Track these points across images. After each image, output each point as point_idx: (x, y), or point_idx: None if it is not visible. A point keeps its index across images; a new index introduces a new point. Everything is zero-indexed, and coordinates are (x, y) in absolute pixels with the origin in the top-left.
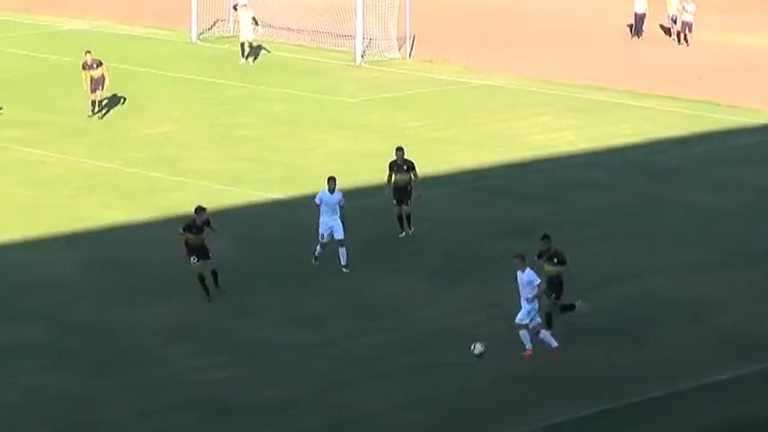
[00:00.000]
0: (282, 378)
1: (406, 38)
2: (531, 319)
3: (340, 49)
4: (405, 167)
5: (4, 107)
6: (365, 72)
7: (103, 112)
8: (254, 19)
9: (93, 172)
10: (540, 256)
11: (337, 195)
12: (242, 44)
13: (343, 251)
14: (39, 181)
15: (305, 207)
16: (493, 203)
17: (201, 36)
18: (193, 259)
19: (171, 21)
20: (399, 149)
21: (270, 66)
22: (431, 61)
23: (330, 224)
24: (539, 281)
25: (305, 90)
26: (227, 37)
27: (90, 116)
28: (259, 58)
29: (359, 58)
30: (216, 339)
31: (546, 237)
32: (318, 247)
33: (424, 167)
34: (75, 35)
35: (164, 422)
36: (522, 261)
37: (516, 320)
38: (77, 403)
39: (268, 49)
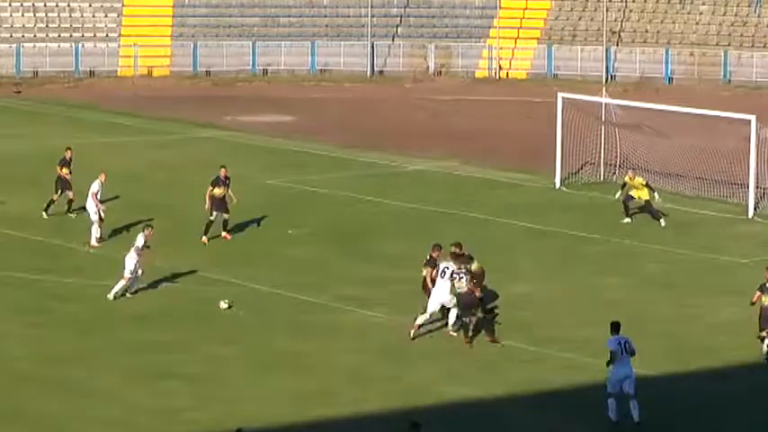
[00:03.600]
0: None
1: None
2: None
3: (726, 199)
4: None
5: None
6: (759, 227)
7: None
8: (647, 185)
9: (435, 337)
10: None
11: None
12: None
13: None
14: (373, 348)
15: (685, 386)
16: None
17: (566, 182)
18: None
19: (531, 164)
20: None
21: (644, 217)
22: None
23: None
24: None
25: (684, 247)
26: (597, 183)
27: None
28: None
29: (751, 211)
30: None
31: None
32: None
33: None
34: (418, 177)
35: None
36: None
37: None
38: None
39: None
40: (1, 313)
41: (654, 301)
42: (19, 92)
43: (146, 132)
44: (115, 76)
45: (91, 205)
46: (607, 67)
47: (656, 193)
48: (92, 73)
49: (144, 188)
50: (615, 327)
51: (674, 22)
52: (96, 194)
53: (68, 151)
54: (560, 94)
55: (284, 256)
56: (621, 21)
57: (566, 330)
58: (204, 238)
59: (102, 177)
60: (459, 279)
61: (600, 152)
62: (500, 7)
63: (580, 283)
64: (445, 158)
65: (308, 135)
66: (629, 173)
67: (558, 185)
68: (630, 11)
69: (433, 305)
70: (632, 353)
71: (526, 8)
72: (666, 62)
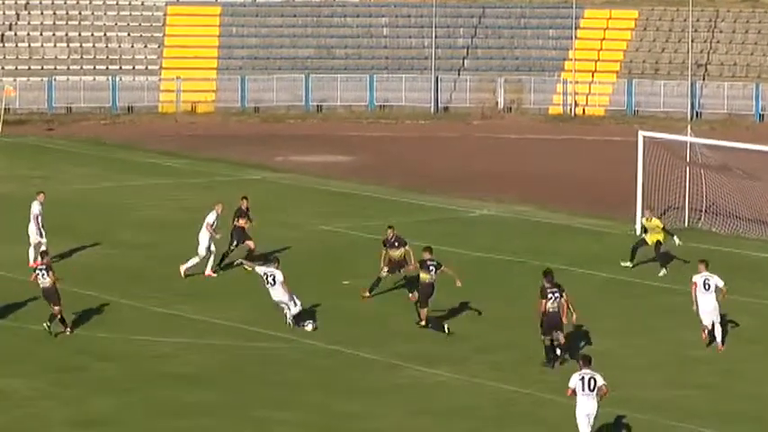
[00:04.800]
0: None
1: None
2: None
3: None
4: None
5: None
6: None
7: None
8: (665, 229)
9: (503, 399)
10: None
11: None
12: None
13: None
14: (438, 410)
15: None
16: None
17: None
18: None
19: (609, 208)
20: None
21: (734, 268)
22: None
23: None
24: None
25: None
26: (683, 230)
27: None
28: (720, 259)
29: None
30: None
31: None
32: None
33: None
34: (487, 223)
35: None
36: None
37: None
38: None
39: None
40: (33, 372)
41: (743, 359)
42: (51, 129)
43: (189, 174)
44: (156, 112)
45: (204, 236)
46: (692, 104)
47: (675, 238)
48: (130, 109)
49: (190, 235)
50: (586, 360)
51: (764, 55)
52: (212, 225)
53: (244, 200)
54: (641, 133)
55: (340, 308)
56: (708, 53)
57: (645, 390)
58: (368, 294)
59: (219, 208)
60: (555, 300)
61: (684, 196)
62: (576, 38)
63: (663, 338)
64: (516, 203)
65: (365, 177)
66: (646, 213)
67: (639, 232)
68: (718, 42)
69: (707, 319)
70: (595, 390)
71: (604, 39)
72: (757, 98)
